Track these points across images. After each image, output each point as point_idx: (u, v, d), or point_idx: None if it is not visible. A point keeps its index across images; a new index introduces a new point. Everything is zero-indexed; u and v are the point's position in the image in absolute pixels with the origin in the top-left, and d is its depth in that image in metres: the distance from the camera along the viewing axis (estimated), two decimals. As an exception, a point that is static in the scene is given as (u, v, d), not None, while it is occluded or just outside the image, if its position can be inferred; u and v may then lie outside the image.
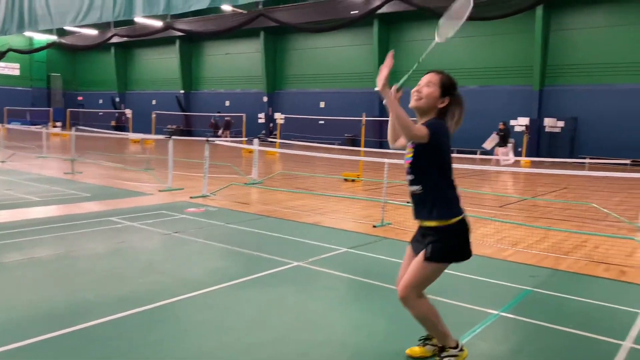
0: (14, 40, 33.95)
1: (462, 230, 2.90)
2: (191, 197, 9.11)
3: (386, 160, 7.62)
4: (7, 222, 6.69)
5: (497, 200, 10.11)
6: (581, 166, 17.77)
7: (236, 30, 29.23)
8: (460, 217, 2.90)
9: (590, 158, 21.70)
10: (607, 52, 21.79)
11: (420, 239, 2.99)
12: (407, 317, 3.10)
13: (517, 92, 23.99)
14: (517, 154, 23.35)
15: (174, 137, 10.84)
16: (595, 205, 8.86)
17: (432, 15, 17.18)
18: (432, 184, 2.88)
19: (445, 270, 5.06)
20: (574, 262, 5.72)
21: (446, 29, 3.02)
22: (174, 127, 35.83)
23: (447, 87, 2.89)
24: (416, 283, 2.91)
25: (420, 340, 3.26)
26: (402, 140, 3.06)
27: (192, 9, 10.70)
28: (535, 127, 23.24)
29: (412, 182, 2.93)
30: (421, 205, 2.93)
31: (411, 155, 2.89)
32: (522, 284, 4.78)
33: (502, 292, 4.60)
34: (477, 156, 23.10)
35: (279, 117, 28.63)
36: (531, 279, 4.97)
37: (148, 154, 16.68)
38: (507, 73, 24.37)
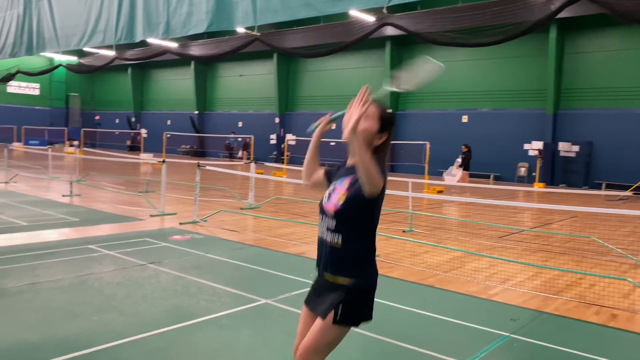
0: (34, 60, 34.77)
1: (374, 293, 2.54)
2: (180, 224, 8.95)
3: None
4: (-16, 249, 6.59)
5: (496, 231, 9.74)
6: (596, 196, 17.21)
7: (249, 53, 29.55)
8: (376, 279, 2.55)
9: (607, 184, 21.15)
10: (622, 75, 21.33)
11: (322, 295, 2.54)
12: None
13: (531, 115, 23.57)
14: (530, 179, 22.87)
15: (187, 157, 10.74)
16: (596, 239, 8.45)
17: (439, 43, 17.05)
18: (356, 238, 2.47)
19: (420, 312, 4.87)
20: (563, 303, 5.37)
21: (405, 81, 2.58)
22: (188, 147, 36.12)
23: (386, 122, 2.52)
24: (324, 348, 2.47)
25: None
26: (317, 177, 2.71)
27: (190, 33, 10.69)
28: (550, 152, 22.73)
29: (331, 231, 2.48)
30: (335, 259, 2.48)
31: (342, 202, 2.45)
32: (500, 329, 4.46)
33: (476, 338, 4.28)
34: (490, 181, 22.71)
35: (290, 138, 28.66)
36: (511, 323, 4.65)
37: (151, 176, 16.66)
38: (520, 96, 23.99)
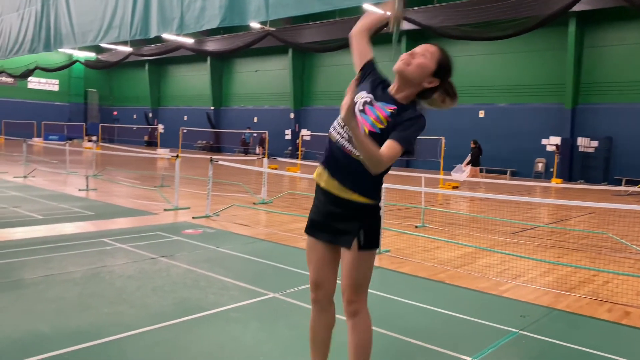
0: (54, 57, 35.26)
1: (380, 218, 2.59)
2: (193, 218, 9.01)
3: (386, 185, 7.29)
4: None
5: (510, 227, 9.64)
6: (614, 192, 16.91)
7: (264, 48, 29.58)
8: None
9: (627, 179, 20.78)
10: (643, 69, 20.93)
11: (334, 223, 2.50)
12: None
13: (549, 110, 23.26)
14: (548, 174, 22.58)
15: (204, 152, 10.80)
16: (612, 236, 8.32)
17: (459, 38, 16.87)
18: None
19: (428, 307, 4.84)
20: (575, 300, 5.30)
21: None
22: (204, 142, 36.35)
23: (443, 68, 2.45)
24: (364, 280, 2.52)
25: None
26: (364, 53, 2.65)
27: (204, 28, 10.69)
28: (568, 147, 22.43)
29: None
30: (349, 169, 2.41)
31: (380, 127, 2.38)
32: (508, 325, 4.42)
33: (484, 335, 4.24)
34: (507, 177, 22.48)
35: (304, 133, 28.68)
36: (521, 320, 4.60)
37: (167, 170, 16.81)
38: (538, 90, 23.68)
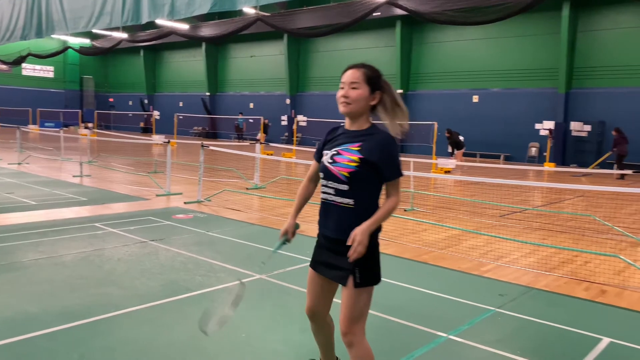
0: (48, 43, 35.06)
1: (378, 247, 2.66)
2: (185, 203, 9.12)
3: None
4: (-7, 227, 6.82)
5: (499, 210, 9.78)
6: (607, 176, 17.07)
7: (260, 33, 29.46)
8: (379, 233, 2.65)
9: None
10: (637, 53, 20.94)
11: (331, 258, 2.64)
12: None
13: (542, 94, 23.30)
14: (541, 159, 22.70)
15: (199, 138, 10.83)
16: (596, 218, 8.45)
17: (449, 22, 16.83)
18: (368, 200, 2.55)
19: (409, 286, 4.98)
20: (554, 279, 5.44)
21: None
22: (200, 129, 36.33)
23: (374, 81, 2.60)
24: (359, 315, 2.58)
25: None
26: (316, 175, 2.84)
27: (195, 14, 10.74)
28: (561, 131, 22.51)
29: (341, 194, 2.55)
30: (346, 219, 2.54)
31: (355, 164, 2.51)
32: (486, 304, 4.56)
33: (462, 313, 4.38)
34: (501, 162, 22.61)
35: (300, 119, 28.68)
36: (499, 298, 4.73)
37: (161, 157, 16.89)
38: (531, 75, 23.69)
